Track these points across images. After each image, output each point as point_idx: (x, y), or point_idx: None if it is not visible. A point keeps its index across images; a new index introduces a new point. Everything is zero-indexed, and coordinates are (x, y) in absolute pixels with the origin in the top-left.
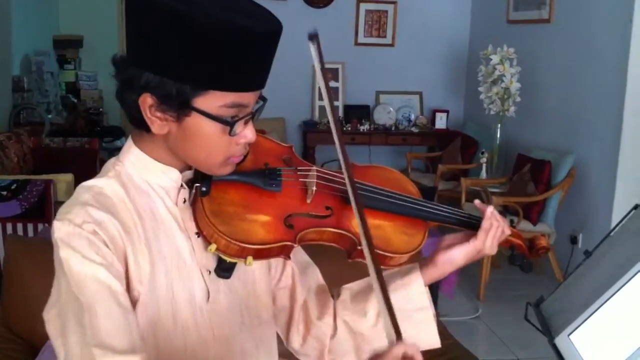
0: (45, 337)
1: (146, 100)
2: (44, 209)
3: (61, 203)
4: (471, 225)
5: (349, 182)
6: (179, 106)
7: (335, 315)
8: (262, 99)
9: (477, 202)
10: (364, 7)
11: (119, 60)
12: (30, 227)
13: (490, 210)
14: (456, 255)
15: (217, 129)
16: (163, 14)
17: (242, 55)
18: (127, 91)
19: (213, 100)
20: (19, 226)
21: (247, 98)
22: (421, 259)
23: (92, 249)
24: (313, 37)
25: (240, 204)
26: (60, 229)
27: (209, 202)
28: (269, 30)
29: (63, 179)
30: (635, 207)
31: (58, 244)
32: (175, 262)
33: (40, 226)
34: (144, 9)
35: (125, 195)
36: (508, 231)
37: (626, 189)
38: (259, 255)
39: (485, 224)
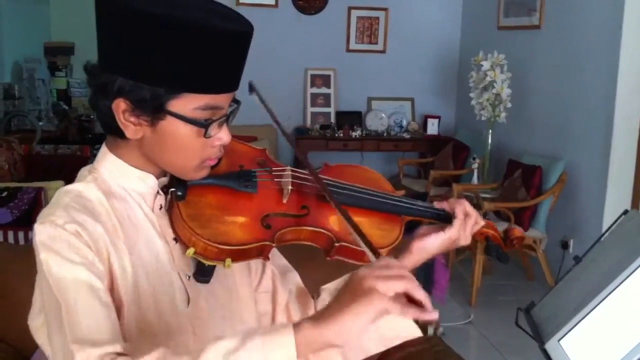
0: (34, 345)
1: (120, 105)
2: (35, 217)
3: None
4: (446, 219)
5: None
6: (153, 110)
7: None
8: (236, 102)
9: (444, 203)
10: (355, 13)
11: (91, 67)
12: (21, 234)
13: (460, 200)
14: (430, 243)
15: (191, 131)
16: (136, 17)
17: (215, 56)
18: (100, 97)
19: (187, 103)
20: (10, 234)
21: (221, 100)
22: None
23: (72, 250)
24: (252, 87)
25: (216, 206)
26: (41, 232)
27: (186, 206)
28: (241, 31)
29: (54, 187)
30: (625, 212)
31: (39, 247)
32: (155, 267)
33: (31, 234)
34: (116, 12)
35: (104, 200)
36: (482, 222)
37: (617, 194)
38: (238, 256)
39: (459, 213)
